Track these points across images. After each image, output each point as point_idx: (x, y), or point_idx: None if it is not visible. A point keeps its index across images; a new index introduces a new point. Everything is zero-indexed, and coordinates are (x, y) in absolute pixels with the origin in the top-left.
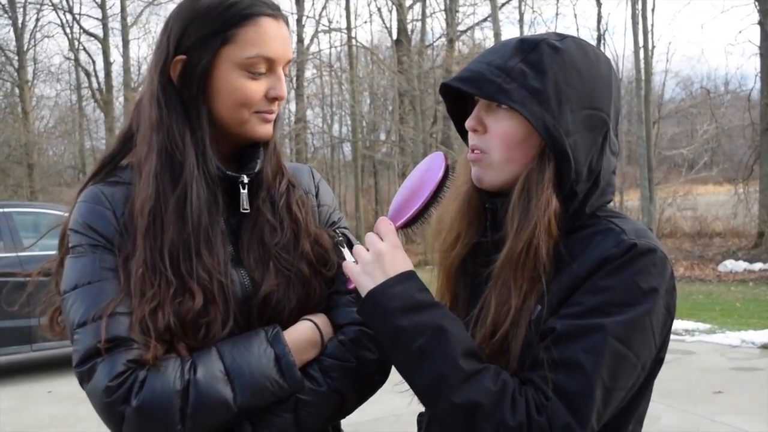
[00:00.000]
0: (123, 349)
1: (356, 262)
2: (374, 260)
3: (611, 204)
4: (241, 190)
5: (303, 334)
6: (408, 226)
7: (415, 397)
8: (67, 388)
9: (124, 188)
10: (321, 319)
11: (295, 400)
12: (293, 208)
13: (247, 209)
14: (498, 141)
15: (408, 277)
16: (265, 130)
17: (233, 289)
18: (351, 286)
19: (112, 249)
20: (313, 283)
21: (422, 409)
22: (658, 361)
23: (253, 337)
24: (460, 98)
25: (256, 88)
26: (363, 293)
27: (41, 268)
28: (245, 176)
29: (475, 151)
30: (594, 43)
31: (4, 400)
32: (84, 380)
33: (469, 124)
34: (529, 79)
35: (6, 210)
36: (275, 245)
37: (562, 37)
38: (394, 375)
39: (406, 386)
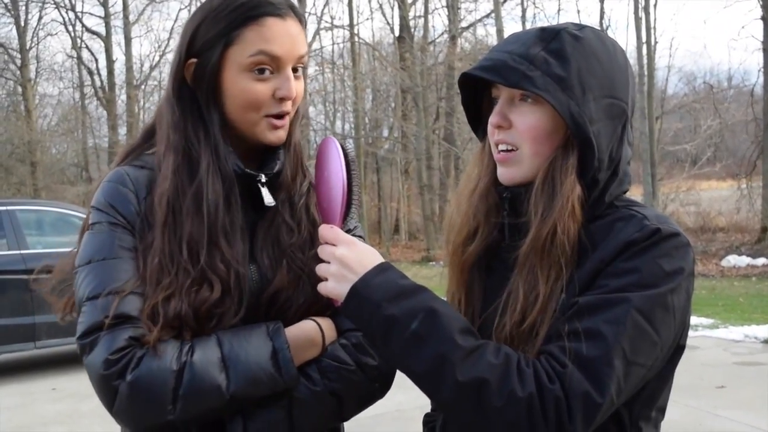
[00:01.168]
0: (127, 326)
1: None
2: (340, 266)
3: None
4: (261, 188)
5: (304, 332)
6: (345, 219)
7: (419, 393)
8: (70, 385)
9: (148, 172)
10: (326, 321)
11: (289, 397)
12: (312, 210)
13: (272, 202)
14: (526, 135)
15: (385, 267)
16: (275, 136)
17: (248, 285)
18: (338, 304)
19: (132, 230)
20: None
21: (428, 407)
22: (678, 348)
23: (255, 329)
24: (475, 92)
25: (263, 88)
26: (342, 299)
27: (43, 266)
28: (263, 175)
29: (503, 149)
30: None
31: (8, 397)
32: (85, 352)
33: (493, 120)
34: (553, 67)
35: (9, 208)
36: (290, 245)
37: (581, 27)
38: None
39: (410, 382)
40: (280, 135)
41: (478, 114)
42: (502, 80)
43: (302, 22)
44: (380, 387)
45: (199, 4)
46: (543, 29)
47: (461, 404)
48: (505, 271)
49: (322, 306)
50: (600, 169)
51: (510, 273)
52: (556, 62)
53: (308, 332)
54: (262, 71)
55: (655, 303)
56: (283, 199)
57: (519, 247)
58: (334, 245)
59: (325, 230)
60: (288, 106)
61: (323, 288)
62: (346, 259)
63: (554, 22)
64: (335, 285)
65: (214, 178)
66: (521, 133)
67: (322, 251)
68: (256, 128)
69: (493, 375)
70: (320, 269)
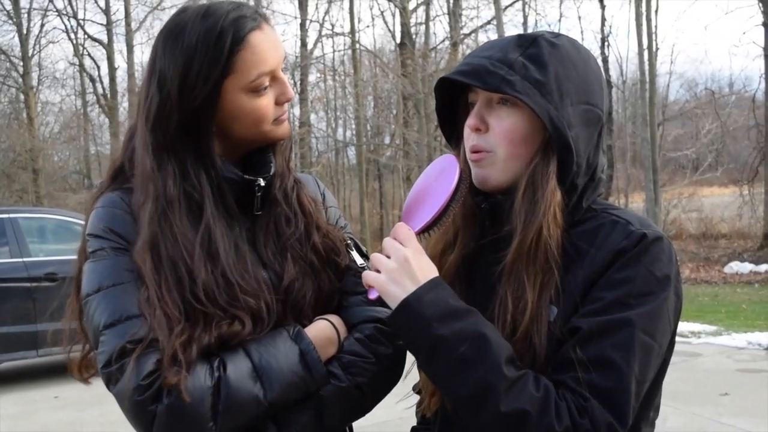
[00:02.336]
0: (152, 349)
1: (378, 271)
2: (400, 267)
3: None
4: (257, 194)
5: (322, 331)
6: (426, 231)
7: (408, 401)
8: (73, 393)
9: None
10: (335, 318)
11: (317, 398)
12: (304, 201)
13: (259, 212)
14: (501, 138)
15: (438, 283)
16: (283, 130)
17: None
18: (373, 296)
19: (133, 252)
20: (323, 276)
21: (413, 422)
22: (670, 346)
23: (276, 335)
24: (449, 99)
25: (267, 102)
26: (392, 303)
27: (47, 273)
28: (262, 180)
29: (478, 152)
30: (599, 44)
31: (11, 405)
32: (111, 381)
33: (470, 122)
34: (531, 71)
35: (12, 215)
36: (290, 236)
37: (557, 35)
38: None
39: (410, 390)
40: (287, 126)
41: (451, 121)
42: (482, 84)
43: (269, 21)
44: (395, 373)
45: (155, 43)
46: (520, 36)
47: (499, 431)
48: (489, 282)
49: (328, 296)
50: (578, 174)
51: (496, 285)
52: (534, 67)
53: (326, 331)
54: (261, 88)
55: (654, 316)
56: (277, 190)
57: (502, 259)
58: (402, 245)
59: (402, 228)
60: (286, 106)
61: (369, 277)
62: (409, 262)
63: (556, 29)
64: (386, 282)
65: (221, 219)
66: (497, 135)
67: (388, 244)
68: (267, 135)
69: (534, 408)
70: (376, 258)
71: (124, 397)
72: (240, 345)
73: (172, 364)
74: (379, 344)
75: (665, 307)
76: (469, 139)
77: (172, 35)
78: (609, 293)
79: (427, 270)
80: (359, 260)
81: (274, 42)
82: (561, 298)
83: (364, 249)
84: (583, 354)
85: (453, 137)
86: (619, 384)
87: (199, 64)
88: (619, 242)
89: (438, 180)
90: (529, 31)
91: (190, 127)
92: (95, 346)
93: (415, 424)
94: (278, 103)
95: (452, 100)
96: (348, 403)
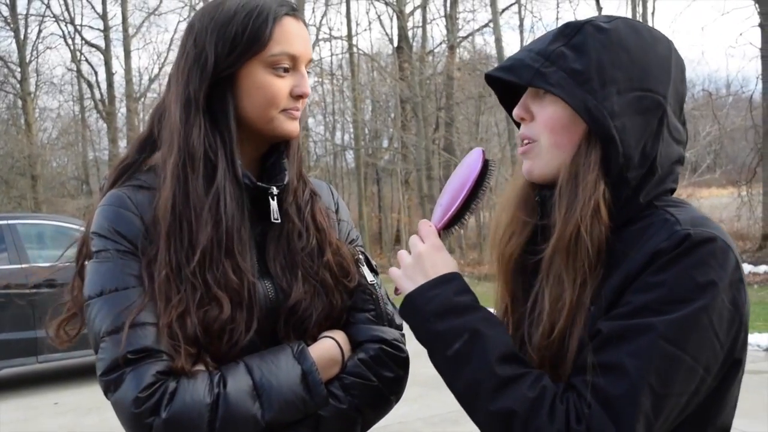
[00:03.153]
0: (152, 360)
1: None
2: (415, 263)
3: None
4: (271, 201)
5: (326, 351)
6: (449, 227)
7: (420, 406)
8: (73, 399)
9: (148, 193)
10: (341, 336)
11: (316, 417)
12: (317, 217)
13: (278, 219)
14: (543, 126)
15: (449, 279)
16: (292, 126)
17: (258, 298)
18: (398, 292)
19: (138, 255)
20: (335, 293)
21: (429, 420)
22: (734, 363)
23: (280, 352)
24: (510, 89)
25: (282, 85)
26: (404, 296)
27: (45, 279)
28: (275, 188)
29: (525, 142)
30: None
31: (11, 411)
32: (110, 390)
33: (516, 112)
34: (569, 61)
35: (10, 222)
36: (301, 252)
37: (612, 19)
38: None
39: (413, 394)
40: (296, 126)
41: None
42: (517, 78)
43: (307, 26)
44: (395, 398)
45: (196, 13)
46: (567, 24)
47: (492, 430)
48: (534, 276)
49: (338, 314)
50: (628, 166)
51: (532, 279)
52: (573, 56)
53: (330, 351)
54: (280, 69)
55: (685, 325)
56: (290, 204)
57: (542, 251)
58: (422, 241)
59: (424, 225)
60: (301, 104)
61: (392, 273)
62: (422, 257)
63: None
64: (401, 276)
65: (232, 185)
66: (540, 124)
67: (411, 241)
68: (273, 123)
69: (522, 408)
70: (400, 254)
71: (122, 407)
72: (242, 359)
73: (169, 337)
74: (382, 367)
75: (704, 316)
76: (520, 129)
77: (214, 3)
78: (639, 297)
79: (439, 266)
80: (369, 276)
81: (305, 35)
82: (598, 299)
83: (374, 263)
84: (596, 357)
85: None
86: (626, 392)
87: (235, 30)
88: (659, 243)
89: (463, 175)
90: (526, 34)
91: (214, 92)
92: (95, 351)
93: (413, 429)
94: (293, 94)
95: (516, 89)
96: (345, 424)
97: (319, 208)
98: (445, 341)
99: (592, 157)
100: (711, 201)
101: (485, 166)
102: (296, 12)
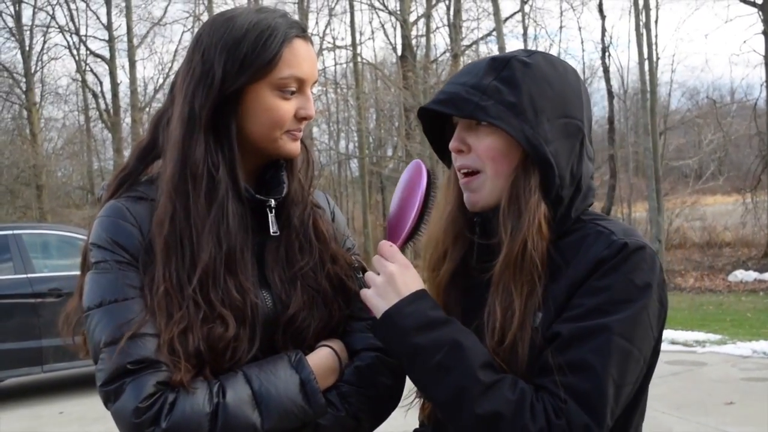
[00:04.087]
0: (152, 371)
1: (368, 287)
2: (386, 282)
3: (592, 207)
4: (269, 214)
5: (323, 360)
6: (408, 241)
7: (410, 411)
8: (78, 408)
9: (147, 204)
10: (338, 344)
11: (315, 426)
12: (320, 228)
13: (276, 232)
14: (485, 157)
15: (420, 296)
16: (294, 147)
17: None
18: (372, 314)
19: (137, 266)
20: (335, 303)
21: (415, 424)
22: (655, 353)
23: (278, 361)
24: (436, 121)
25: (288, 108)
26: (378, 315)
27: (51, 289)
28: (273, 200)
29: (465, 172)
30: (599, 55)
31: (17, 421)
32: (110, 400)
33: (452, 145)
34: (504, 94)
35: (15, 232)
36: (302, 265)
37: (531, 53)
38: None
39: (408, 401)
40: (298, 146)
41: (445, 142)
42: (457, 112)
43: (314, 45)
44: (392, 404)
45: (204, 26)
46: (494, 59)
47: None
48: (480, 291)
49: (336, 325)
50: (563, 186)
51: (485, 293)
52: (507, 90)
53: (327, 360)
54: (288, 92)
55: (633, 322)
56: (290, 217)
57: (491, 267)
58: (389, 261)
59: (385, 246)
60: (303, 125)
61: (364, 294)
62: (394, 277)
63: (556, 40)
64: (374, 296)
65: (235, 202)
66: (480, 154)
67: (376, 262)
68: (276, 143)
69: (508, 410)
70: (368, 276)
71: (122, 417)
72: (241, 369)
73: (170, 353)
74: (378, 374)
75: (645, 314)
76: (456, 160)
77: (223, 18)
78: (589, 300)
79: (411, 283)
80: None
81: (312, 59)
82: (545, 306)
83: (369, 270)
84: (561, 358)
85: (446, 157)
86: (595, 386)
87: (246, 49)
88: (601, 251)
89: (409, 189)
90: (530, 43)
91: (219, 109)
92: (95, 362)
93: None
94: (297, 116)
95: (442, 121)
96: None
97: (321, 219)
98: (426, 353)
99: (532, 181)
100: (715, 208)
101: (429, 178)
102: (306, 33)
